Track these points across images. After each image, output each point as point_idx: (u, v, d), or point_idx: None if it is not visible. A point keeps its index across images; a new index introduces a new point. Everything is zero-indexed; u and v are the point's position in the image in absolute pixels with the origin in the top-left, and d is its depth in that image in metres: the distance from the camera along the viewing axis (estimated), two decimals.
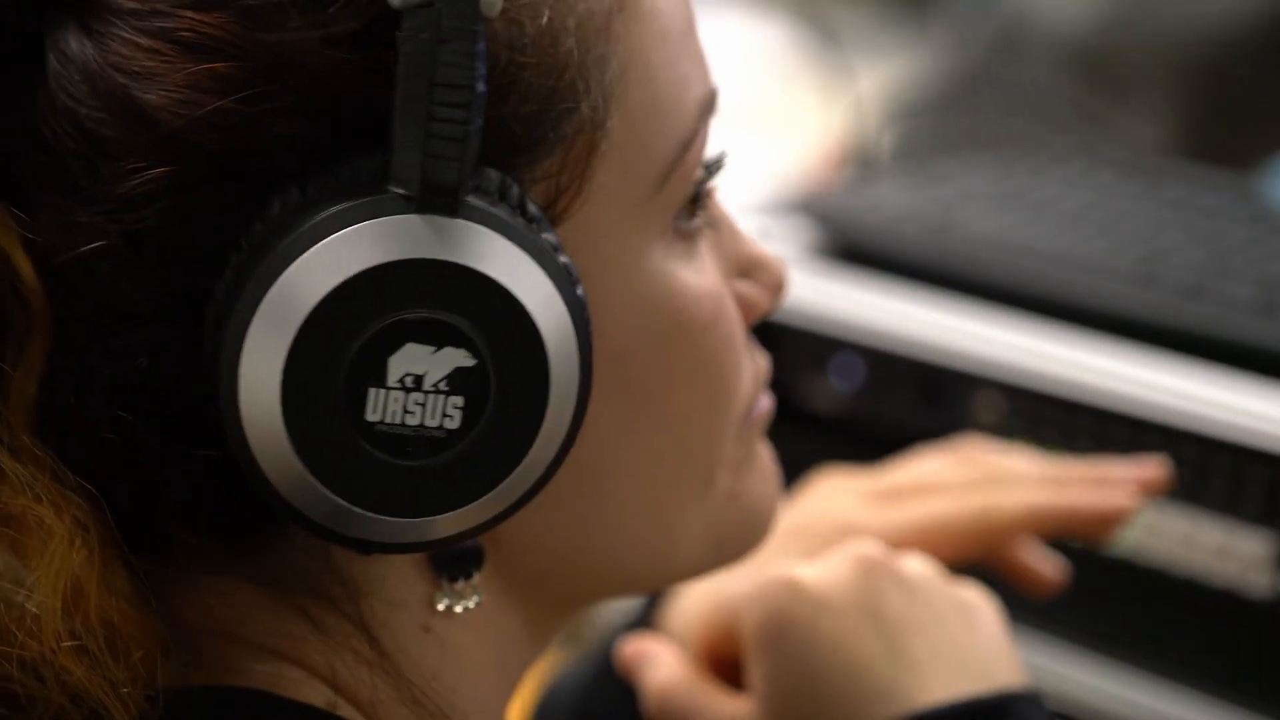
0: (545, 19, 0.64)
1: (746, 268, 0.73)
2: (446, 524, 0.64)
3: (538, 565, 0.70)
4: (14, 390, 0.63)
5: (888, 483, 0.92)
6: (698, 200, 0.70)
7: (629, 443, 0.67)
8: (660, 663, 0.86)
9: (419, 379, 0.62)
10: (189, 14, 0.62)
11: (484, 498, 0.64)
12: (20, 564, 0.64)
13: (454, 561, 0.68)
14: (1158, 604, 0.98)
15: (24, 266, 0.63)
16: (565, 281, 0.63)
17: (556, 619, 0.72)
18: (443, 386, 0.62)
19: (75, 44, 0.62)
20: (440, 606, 0.68)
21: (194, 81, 0.61)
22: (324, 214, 0.61)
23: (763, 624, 0.82)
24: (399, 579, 0.68)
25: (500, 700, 0.72)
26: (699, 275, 0.70)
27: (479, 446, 0.63)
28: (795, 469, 1.15)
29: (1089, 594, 0.99)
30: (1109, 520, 0.89)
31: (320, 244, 0.61)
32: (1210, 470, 0.97)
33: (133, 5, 0.62)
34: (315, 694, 0.67)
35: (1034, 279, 1.08)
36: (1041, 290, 1.07)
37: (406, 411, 0.62)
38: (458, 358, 0.62)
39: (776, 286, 0.74)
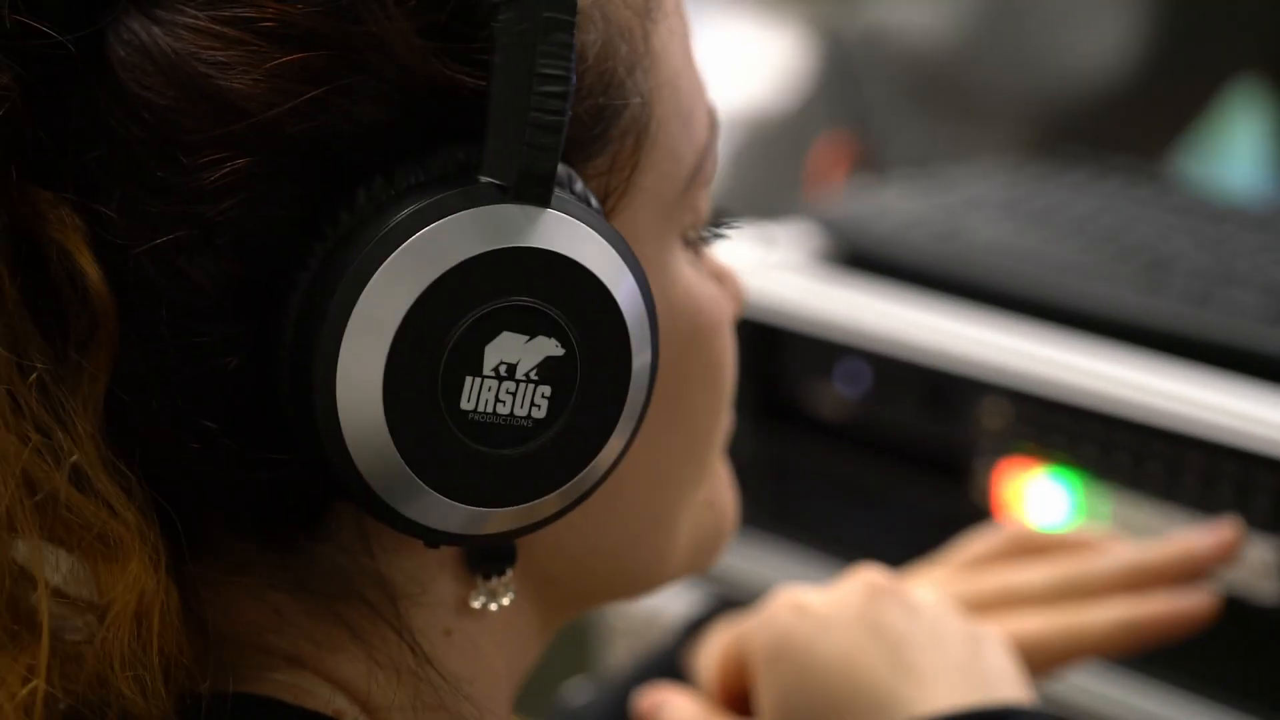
0: (599, 21, 0.65)
1: (717, 277, 0.74)
2: (522, 514, 0.65)
3: (554, 566, 0.70)
4: (81, 398, 0.62)
5: (974, 589, 0.92)
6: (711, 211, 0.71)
7: (648, 444, 0.68)
8: (673, 705, 0.87)
9: (512, 368, 0.63)
10: (273, 4, 0.62)
11: (562, 488, 0.65)
12: (90, 580, 0.64)
13: (491, 558, 0.68)
14: None
15: (90, 269, 0.62)
16: (643, 275, 0.64)
17: (558, 621, 0.73)
18: (534, 376, 0.63)
19: (144, 34, 0.62)
20: (476, 604, 0.68)
21: (280, 71, 0.61)
22: (421, 203, 0.62)
23: (767, 643, 0.83)
24: (434, 580, 0.68)
25: (505, 702, 0.72)
26: (707, 281, 0.71)
27: (562, 436, 0.64)
28: (801, 475, 1.16)
29: None
30: (1193, 623, 0.90)
31: (421, 233, 0.61)
32: (1217, 477, 0.96)
33: None
34: (324, 702, 0.67)
35: (1040, 285, 1.08)
36: (1047, 296, 1.07)
37: (499, 400, 0.63)
38: (548, 347, 0.63)
39: (739, 298, 0.76)
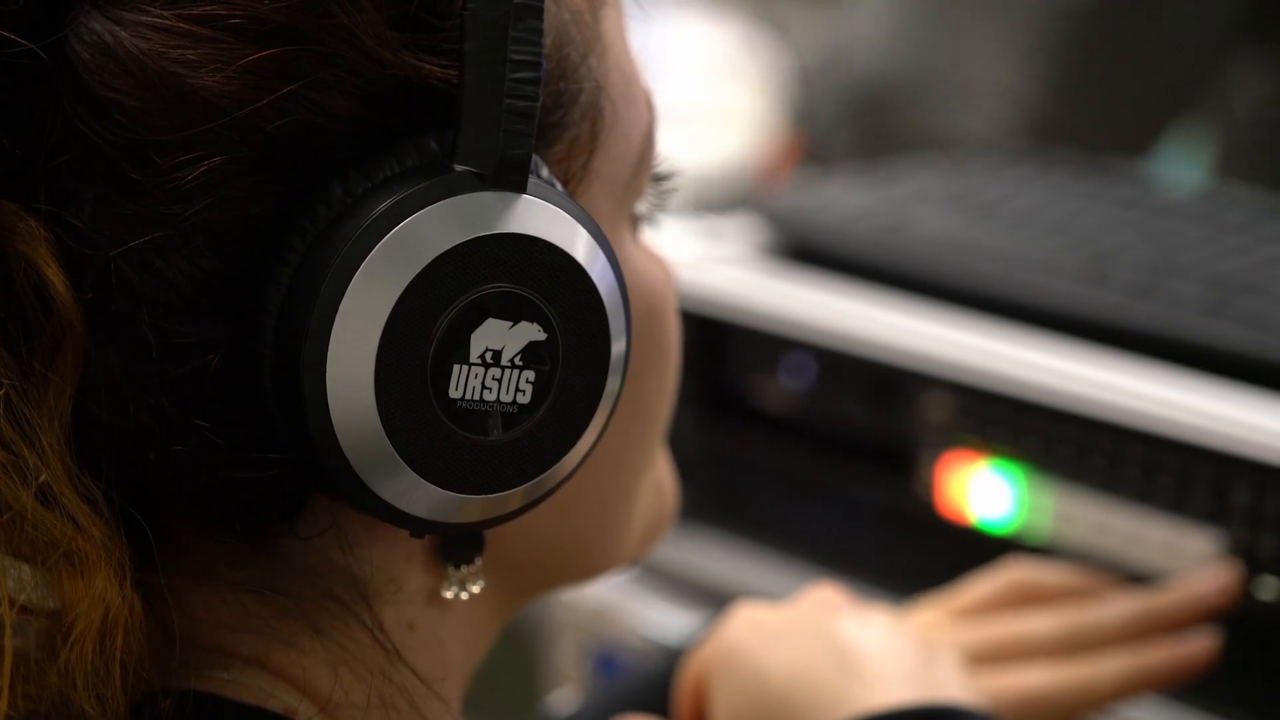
0: (554, 7, 0.65)
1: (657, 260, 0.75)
2: (506, 501, 0.65)
3: (519, 552, 0.71)
4: (46, 412, 0.62)
5: (981, 638, 0.93)
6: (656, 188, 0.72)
7: (611, 427, 0.68)
8: None
9: (497, 354, 0.63)
10: (240, 1, 0.61)
11: (546, 473, 0.65)
12: (51, 595, 0.63)
13: (461, 547, 0.69)
14: None
15: (56, 280, 0.62)
16: (615, 257, 0.65)
17: (514, 607, 0.74)
18: (518, 361, 0.63)
19: (108, 36, 0.62)
20: (448, 594, 0.68)
21: (251, 68, 0.61)
22: (401, 194, 0.62)
23: (720, 653, 0.85)
24: (405, 574, 0.68)
25: (459, 691, 0.72)
26: (658, 262, 0.73)
27: (546, 421, 0.65)
28: (747, 468, 1.15)
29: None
30: (1198, 669, 0.92)
31: (404, 224, 0.62)
32: (1158, 469, 0.97)
33: None
34: (271, 699, 0.67)
35: (984, 278, 1.08)
36: (992, 289, 1.07)
37: (485, 387, 0.63)
38: (531, 331, 0.63)
39: (674, 282, 0.76)
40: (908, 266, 1.11)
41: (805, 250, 1.16)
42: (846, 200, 1.19)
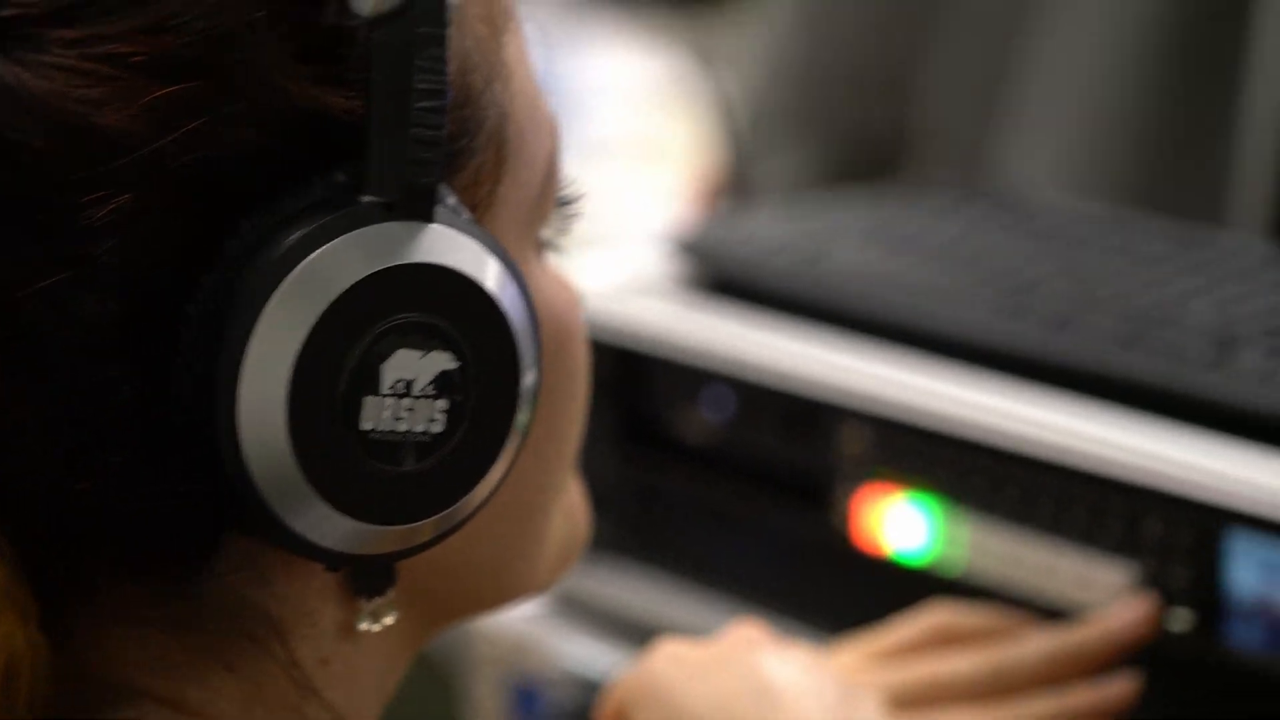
0: (457, 35, 0.65)
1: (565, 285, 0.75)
2: (420, 531, 0.66)
3: (431, 581, 0.70)
4: None
5: (902, 679, 0.93)
6: (561, 214, 0.73)
7: (525, 452, 0.68)
8: None
9: (410, 384, 0.63)
10: (144, 37, 0.61)
11: (460, 502, 0.66)
12: None
13: (373, 579, 0.68)
14: None
15: None
16: (524, 285, 0.65)
17: (429, 637, 0.74)
18: (430, 391, 0.63)
19: (11, 77, 0.61)
20: (361, 627, 0.68)
21: (156, 105, 0.61)
22: (308, 228, 0.62)
23: (638, 688, 0.85)
24: (319, 608, 0.68)
25: None
26: (565, 287, 0.73)
27: (460, 449, 0.65)
28: (667, 501, 1.15)
29: None
30: (1118, 710, 0.93)
31: (311, 258, 0.62)
32: (1072, 501, 0.97)
33: (73, 34, 0.61)
34: None
35: (901, 310, 1.08)
36: (908, 321, 1.07)
37: (398, 418, 0.63)
38: (443, 361, 0.64)
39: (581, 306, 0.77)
40: (826, 299, 1.11)
41: (726, 282, 1.16)
42: (767, 232, 1.19)
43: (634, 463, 1.15)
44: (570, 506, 0.76)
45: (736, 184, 1.24)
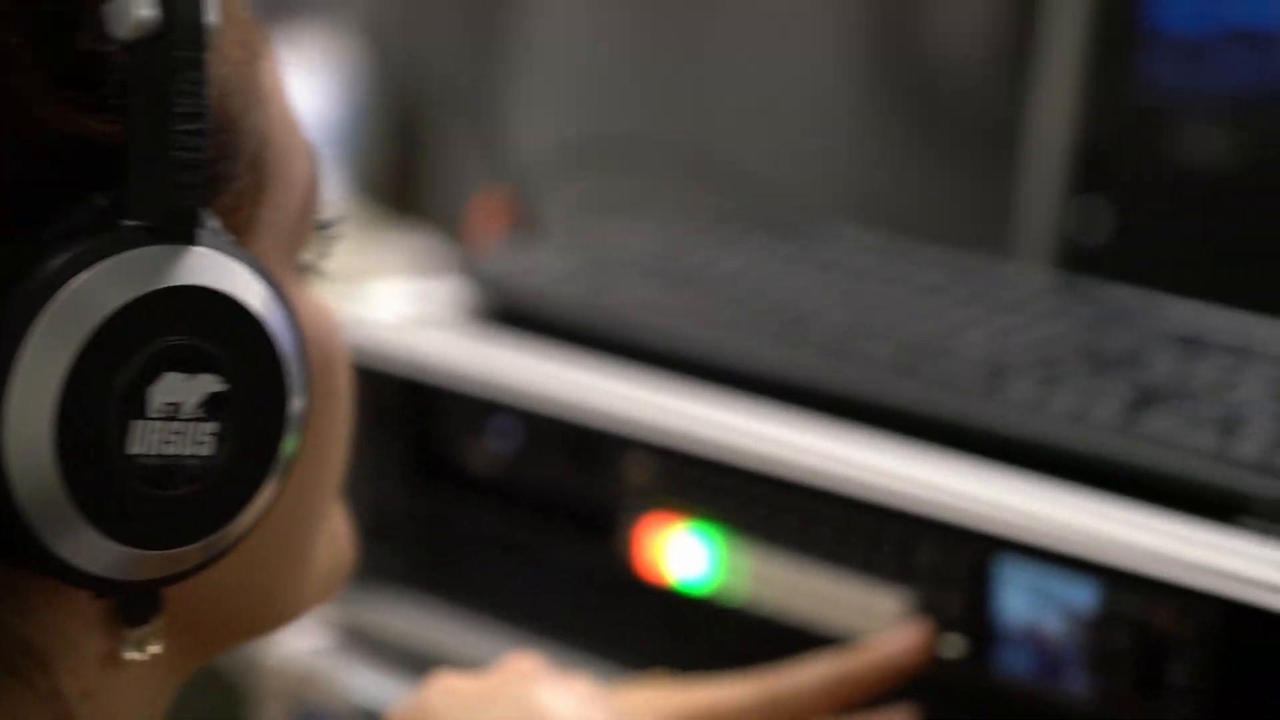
0: (215, 59, 0.65)
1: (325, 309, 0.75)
2: (187, 556, 0.66)
3: (198, 608, 0.70)
4: None
5: (678, 706, 0.94)
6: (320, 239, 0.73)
7: (290, 478, 0.69)
8: None
9: (177, 408, 0.63)
10: None
11: (229, 525, 0.66)
12: None
13: (139, 605, 0.68)
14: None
15: None
16: (289, 306, 0.66)
17: (196, 664, 0.73)
18: (198, 414, 0.64)
19: None
20: (127, 655, 0.68)
21: None
22: (70, 254, 0.62)
23: (410, 718, 0.84)
24: (82, 638, 0.67)
25: None
26: (325, 311, 0.73)
27: (228, 473, 0.65)
28: (455, 532, 1.15)
29: (732, 654, 1.00)
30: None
31: (72, 284, 0.62)
32: (849, 529, 0.98)
33: None
34: None
35: (684, 341, 1.09)
36: (691, 353, 1.08)
37: (165, 442, 0.63)
38: (210, 384, 0.64)
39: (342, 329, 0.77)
40: (611, 330, 1.12)
41: (513, 313, 1.17)
42: (553, 263, 1.19)
43: (421, 494, 1.16)
44: (335, 531, 0.76)
45: (526, 214, 1.24)
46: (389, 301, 1.19)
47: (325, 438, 0.73)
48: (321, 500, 0.74)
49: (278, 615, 0.75)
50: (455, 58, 1.85)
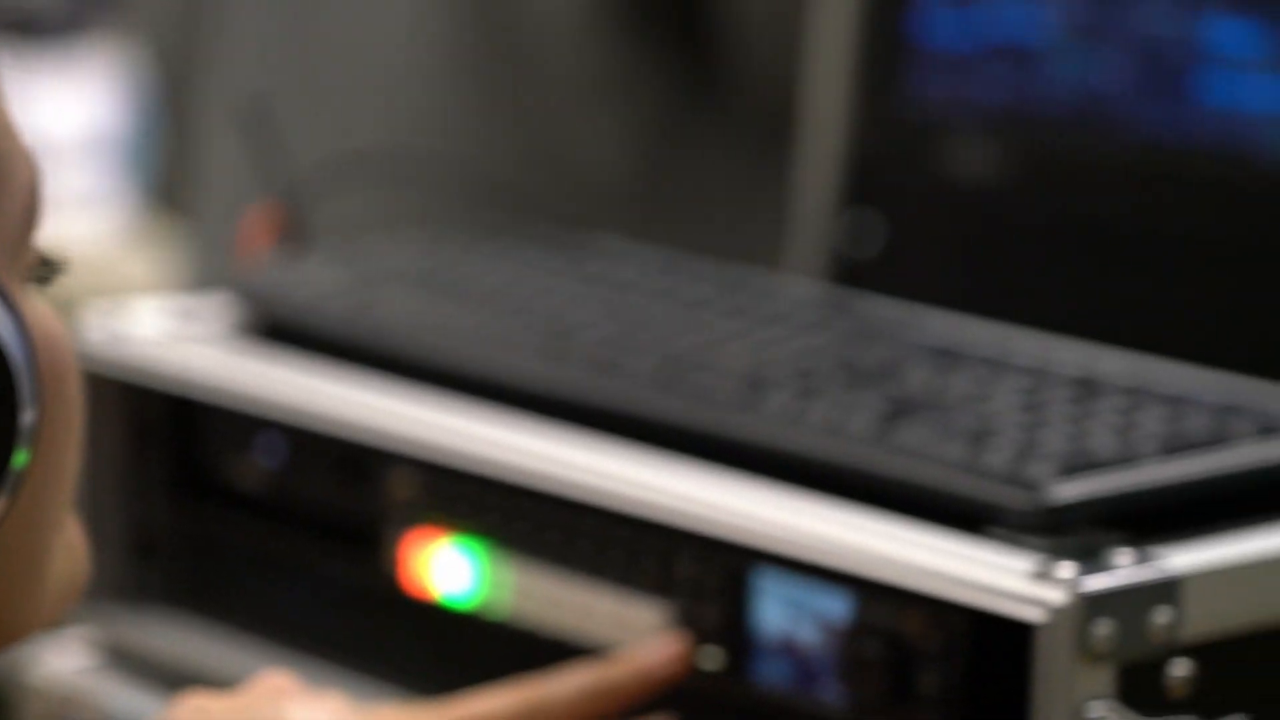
0: None
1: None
2: None
3: None
4: None
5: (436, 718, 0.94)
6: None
7: (24, 489, 0.68)
8: None
9: None
10: None
11: None
12: None
13: None
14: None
15: None
16: (20, 316, 0.65)
17: None
18: None
19: None
20: None
21: None
22: None
23: None
24: None
25: None
26: (53, 320, 0.72)
27: None
28: (222, 549, 1.14)
29: (497, 669, 1.00)
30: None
31: None
32: (610, 542, 0.99)
33: None
34: None
35: (448, 356, 1.09)
36: (455, 367, 1.08)
37: None
38: None
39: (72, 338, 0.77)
40: (377, 344, 1.12)
41: (279, 328, 1.16)
42: (321, 277, 1.19)
43: (186, 511, 1.15)
44: (71, 543, 0.76)
45: (297, 227, 1.23)
46: (154, 317, 1.18)
47: (57, 449, 0.72)
48: (55, 512, 0.74)
49: (13, 630, 0.74)
50: (238, 68, 1.83)
